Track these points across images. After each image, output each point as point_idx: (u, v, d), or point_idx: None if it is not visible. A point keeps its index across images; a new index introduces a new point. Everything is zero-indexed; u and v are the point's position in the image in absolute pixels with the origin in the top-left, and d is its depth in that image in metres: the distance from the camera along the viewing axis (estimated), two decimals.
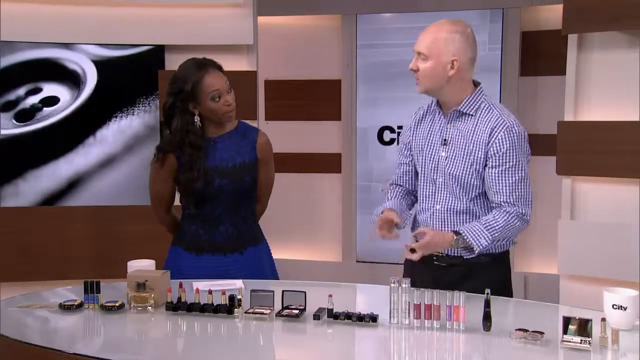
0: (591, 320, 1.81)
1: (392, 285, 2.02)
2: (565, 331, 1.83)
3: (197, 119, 2.59)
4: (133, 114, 3.97)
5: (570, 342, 1.82)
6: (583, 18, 3.24)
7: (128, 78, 3.97)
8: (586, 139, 3.29)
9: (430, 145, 2.45)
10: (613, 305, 1.92)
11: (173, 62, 3.76)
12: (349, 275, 4.67)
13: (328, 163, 4.97)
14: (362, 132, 4.90)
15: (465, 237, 2.29)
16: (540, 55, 4.49)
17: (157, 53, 3.95)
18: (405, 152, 2.55)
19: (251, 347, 1.99)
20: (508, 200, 2.32)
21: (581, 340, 1.81)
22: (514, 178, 2.33)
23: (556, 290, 3.48)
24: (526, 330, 1.89)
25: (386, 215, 2.37)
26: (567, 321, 1.83)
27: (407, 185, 2.57)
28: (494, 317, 1.95)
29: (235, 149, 2.65)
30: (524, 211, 2.34)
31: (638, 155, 3.12)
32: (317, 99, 4.94)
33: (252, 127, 2.75)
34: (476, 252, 2.30)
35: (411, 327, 2.01)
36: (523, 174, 2.35)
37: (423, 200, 2.48)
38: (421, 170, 2.48)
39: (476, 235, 2.28)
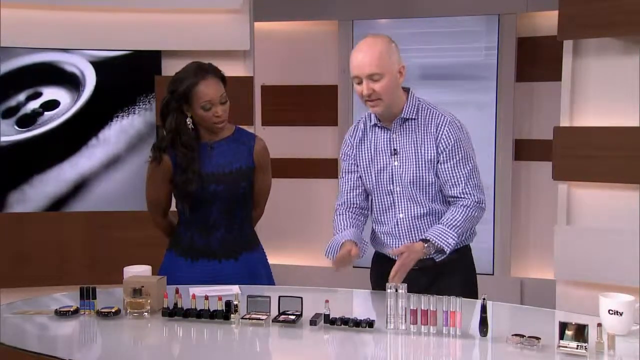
0: (587, 325, 1.81)
1: (389, 290, 2.02)
2: (561, 336, 1.83)
3: (189, 121, 2.59)
4: (134, 113, 3.97)
5: (566, 347, 1.82)
6: (578, 24, 3.26)
7: (127, 77, 3.97)
8: (582, 145, 3.30)
9: (380, 159, 2.47)
10: (609, 311, 1.93)
11: (170, 68, 3.76)
12: (346, 281, 4.66)
13: (324, 168, 4.97)
14: None
15: (433, 242, 2.33)
16: (536, 61, 4.51)
17: (155, 53, 3.95)
18: (353, 168, 2.54)
19: (248, 353, 1.99)
20: (465, 190, 2.40)
21: (577, 345, 1.81)
22: (466, 169, 2.41)
23: (552, 296, 3.49)
24: (522, 336, 1.89)
25: (343, 252, 2.34)
26: (563, 326, 1.83)
27: (357, 202, 2.54)
28: (490, 322, 1.95)
29: (232, 155, 2.65)
30: (479, 199, 2.41)
31: (634, 161, 3.13)
32: (313, 104, 4.95)
33: (249, 133, 2.75)
34: (447, 252, 2.34)
35: (408, 333, 2.01)
36: (473, 164, 2.44)
37: (381, 212, 2.51)
38: (375, 185, 2.49)
39: (442, 236, 2.34)
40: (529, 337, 1.88)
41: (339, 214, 2.56)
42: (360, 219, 2.55)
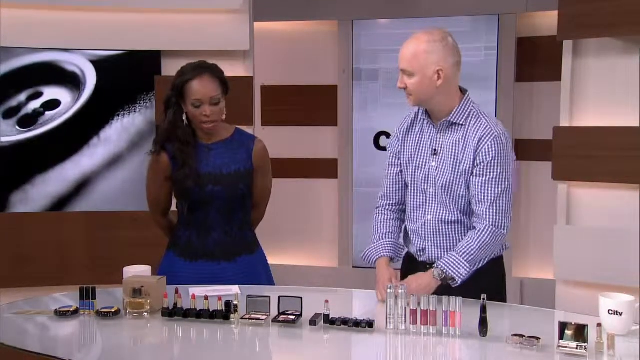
0: (587, 325, 1.81)
1: (389, 290, 2.02)
2: (561, 336, 1.83)
3: (185, 116, 2.61)
4: (135, 111, 3.97)
5: (566, 347, 1.82)
6: (578, 24, 3.26)
7: (127, 77, 3.97)
8: (582, 145, 3.30)
9: (420, 156, 2.44)
10: (609, 311, 1.93)
11: (170, 68, 3.77)
12: (346, 281, 4.67)
13: (324, 168, 4.97)
14: (358, 138, 4.90)
15: (443, 270, 2.29)
16: (535, 61, 4.51)
17: (155, 53, 3.95)
18: (395, 161, 2.52)
19: (247, 353, 1.99)
20: (488, 211, 2.31)
21: (577, 345, 1.81)
22: (497, 190, 2.31)
23: (552, 296, 3.48)
24: (522, 336, 1.89)
25: (384, 280, 2.35)
26: (563, 326, 1.83)
27: (397, 197, 2.53)
28: (490, 322, 1.95)
29: (231, 156, 2.65)
30: (498, 223, 2.32)
31: (634, 161, 3.13)
32: (313, 104, 4.95)
33: (248, 135, 2.74)
34: (458, 282, 2.28)
35: (407, 333, 2.01)
36: (506, 185, 2.33)
37: (413, 210, 2.48)
38: (411, 181, 2.47)
39: (454, 266, 2.28)
40: (528, 337, 1.88)
41: (380, 214, 2.55)
42: (400, 217, 2.54)
